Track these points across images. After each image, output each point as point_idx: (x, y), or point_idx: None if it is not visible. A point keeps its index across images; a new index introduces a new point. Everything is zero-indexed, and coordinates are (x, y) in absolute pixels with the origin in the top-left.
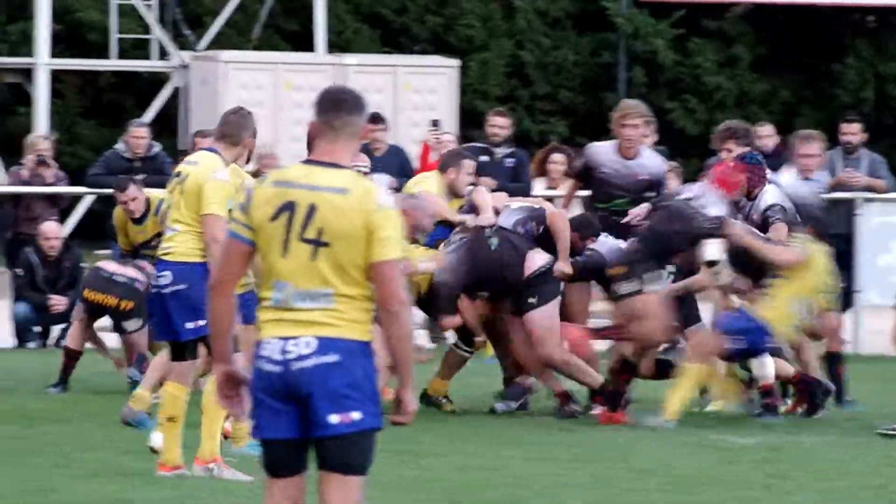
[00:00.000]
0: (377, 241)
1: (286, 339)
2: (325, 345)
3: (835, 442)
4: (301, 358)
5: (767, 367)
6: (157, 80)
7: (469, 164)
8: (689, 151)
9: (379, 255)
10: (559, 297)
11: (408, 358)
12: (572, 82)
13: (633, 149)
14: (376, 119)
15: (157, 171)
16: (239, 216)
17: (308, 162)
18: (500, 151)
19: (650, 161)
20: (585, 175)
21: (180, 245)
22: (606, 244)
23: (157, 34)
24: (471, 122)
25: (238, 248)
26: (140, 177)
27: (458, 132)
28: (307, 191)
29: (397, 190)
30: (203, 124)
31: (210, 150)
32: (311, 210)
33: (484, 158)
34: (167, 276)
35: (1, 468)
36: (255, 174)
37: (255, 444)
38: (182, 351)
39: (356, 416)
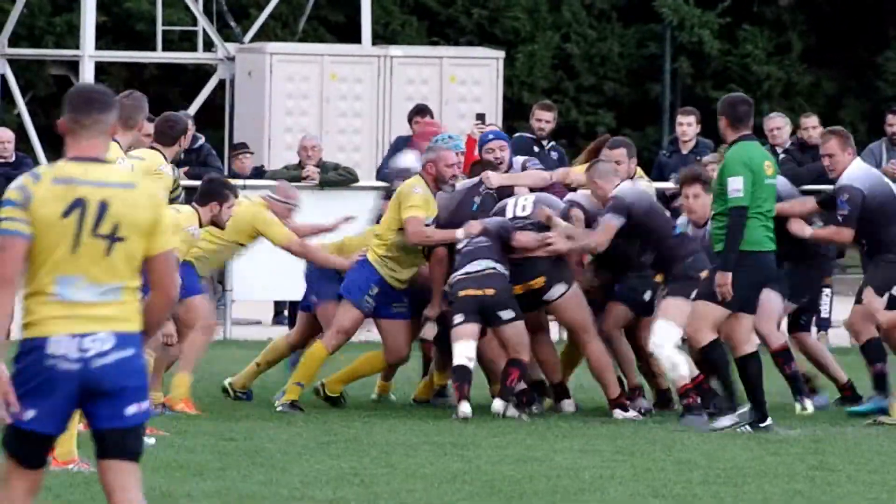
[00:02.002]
0: (161, 232)
1: (82, 335)
2: (123, 340)
3: (879, 433)
4: (101, 355)
5: (680, 367)
6: (203, 72)
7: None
8: None
9: (163, 245)
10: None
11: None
12: (618, 74)
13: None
14: (422, 111)
15: (201, 164)
16: (17, 213)
17: (77, 159)
18: (546, 144)
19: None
20: None
21: None
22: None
23: (203, 25)
24: (517, 113)
25: (21, 245)
26: (184, 169)
27: (503, 124)
28: (95, 187)
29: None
30: (248, 116)
31: None
32: (103, 206)
33: (535, 150)
34: None
35: None
36: (300, 165)
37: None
38: None
39: (145, 405)
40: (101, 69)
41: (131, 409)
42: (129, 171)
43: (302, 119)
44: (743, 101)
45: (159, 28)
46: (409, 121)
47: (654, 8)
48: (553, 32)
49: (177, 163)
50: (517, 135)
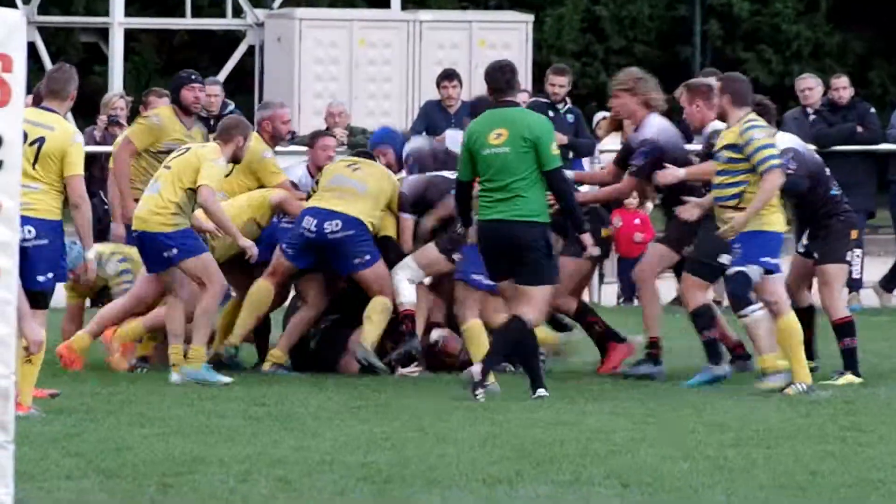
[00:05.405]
0: None
1: None
2: None
3: None
4: None
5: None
6: (232, 38)
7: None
8: None
9: None
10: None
11: None
12: (648, 36)
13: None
14: (450, 75)
15: None
16: None
17: None
18: (562, 108)
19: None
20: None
21: (41, 202)
22: None
23: None
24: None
25: None
26: (213, 134)
27: (532, 87)
28: None
29: None
30: (277, 82)
31: (47, 108)
32: None
33: (550, 114)
34: (31, 231)
35: (78, 427)
36: (328, 130)
37: (209, 368)
38: (36, 300)
39: None
40: (131, 36)
41: None
42: None
43: (331, 84)
44: (501, 70)
45: None
46: (438, 85)
47: None
48: None
49: (211, 129)
50: (532, 100)
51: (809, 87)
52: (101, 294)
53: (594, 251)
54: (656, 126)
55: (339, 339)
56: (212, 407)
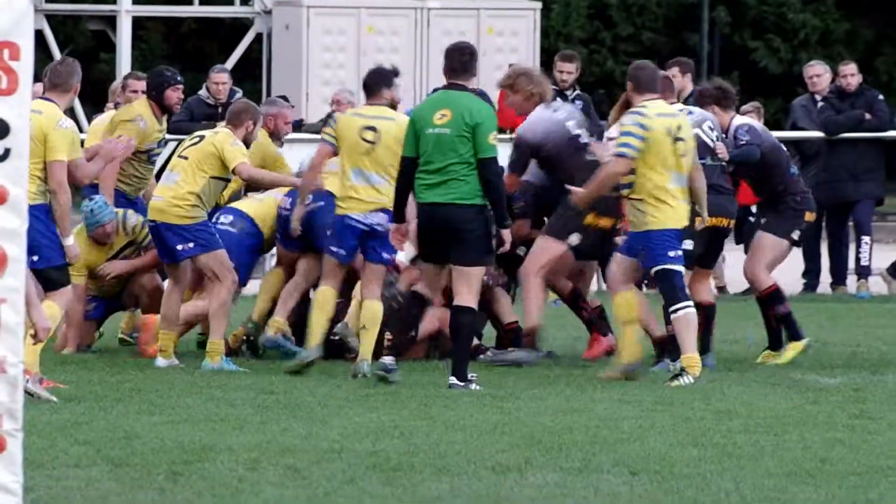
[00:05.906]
0: None
1: None
2: None
3: None
4: None
5: None
6: (240, 25)
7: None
8: (772, 90)
9: None
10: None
11: None
12: (655, 23)
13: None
14: None
15: None
16: None
17: None
18: (570, 94)
19: None
20: None
21: None
22: None
23: None
24: (553, 64)
25: None
26: (222, 123)
27: None
28: None
29: None
30: (285, 70)
31: (47, 99)
32: None
33: (559, 101)
34: None
35: (86, 415)
36: (330, 115)
37: (229, 360)
38: None
39: None
40: (139, 24)
41: None
42: None
43: (339, 72)
44: (460, 51)
45: None
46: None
47: None
48: None
49: (219, 117)
50: None
51: (817, 73)
52: (119, 256)
53: (507, 246)
54: (526, 123)
55: (336, 313)
56: (221, 395)
